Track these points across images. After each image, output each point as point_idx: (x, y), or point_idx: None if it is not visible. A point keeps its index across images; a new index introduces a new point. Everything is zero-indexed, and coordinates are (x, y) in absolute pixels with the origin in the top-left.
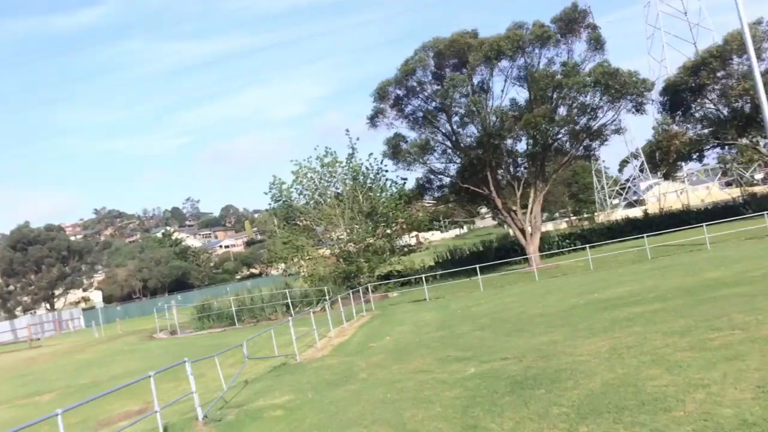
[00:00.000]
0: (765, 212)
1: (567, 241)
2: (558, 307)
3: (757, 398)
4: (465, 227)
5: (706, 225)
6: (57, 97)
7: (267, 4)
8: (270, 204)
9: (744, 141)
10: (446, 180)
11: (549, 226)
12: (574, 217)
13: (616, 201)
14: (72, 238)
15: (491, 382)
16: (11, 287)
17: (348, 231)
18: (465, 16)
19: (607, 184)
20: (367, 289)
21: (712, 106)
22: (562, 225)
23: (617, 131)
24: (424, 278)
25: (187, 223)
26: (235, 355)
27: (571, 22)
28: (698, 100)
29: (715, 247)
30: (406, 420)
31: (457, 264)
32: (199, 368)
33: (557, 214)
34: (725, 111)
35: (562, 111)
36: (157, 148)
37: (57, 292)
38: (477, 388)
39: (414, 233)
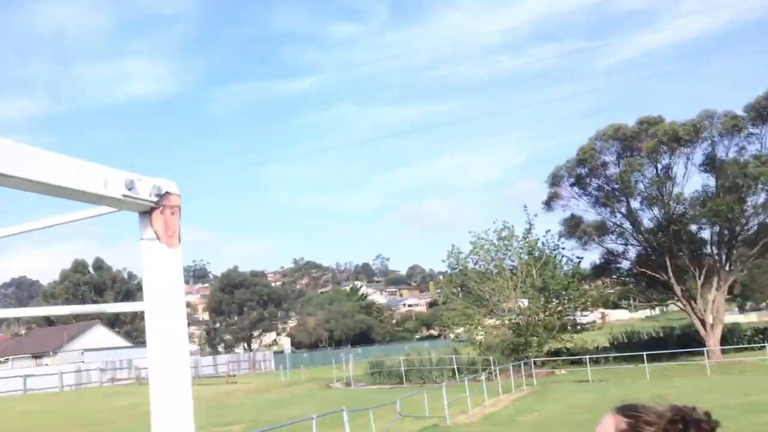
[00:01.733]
0: None
1: (760, 336)
2: (707, 405)
3: None
4: (657, 309)
5: None
6: (273, 155)
7: (472, 73)
8: (447, 271)
9: None
10: (624, 263)
11: (753, 317)
12: None
13: None
14: (272, 285)
15: None
16: (217, 325)
17: (519, 304)
18: (655, 99)
19: None
20: (533, 363)
21: None
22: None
23: None
24: (588, 359)
25: (375, 279)
26: (393, 411)
27: (763, 110)
28: None
29: None
30: None
31: (633, 348)
32: (360, 419)
33: (764, 305)
34: None
35: (754, 200)
36: (355, 206)
37: (255, 334)
38: None
39: (599, 310)
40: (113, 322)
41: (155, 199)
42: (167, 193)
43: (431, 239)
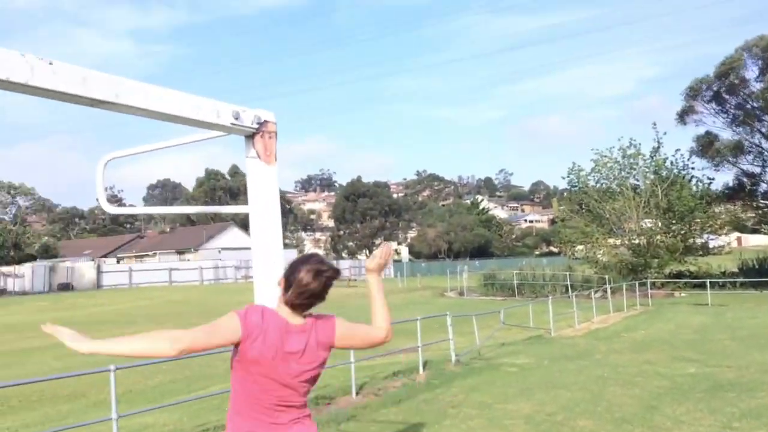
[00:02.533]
0: None
1: None
2: None
3: None
4: None
5: None
6: (399, 66)
7: None
8: (567, 188)
9: None
10: (762, 186)
11: None
12: None
13: None
14: (394, 195)
15: (698, 381)
16: (341, 232)
17: (640, 225)
18: None
19: None
20: (651, 284)
21: None
22: None
23: None
24: (710, 283)
25: (497, 193)
26: (499, 320)
27: None
28: None
29: None
30: (605, 392)
31: (764, 274)
32: (466, 325)
33: None
34: None
35: None
36: (476, 119)
37: (376, 242)
38: (682, 384)
39: (734, 235)
40: (246, 224)
41: (256, 126)
42: (266, 121)
43: (556, 155)
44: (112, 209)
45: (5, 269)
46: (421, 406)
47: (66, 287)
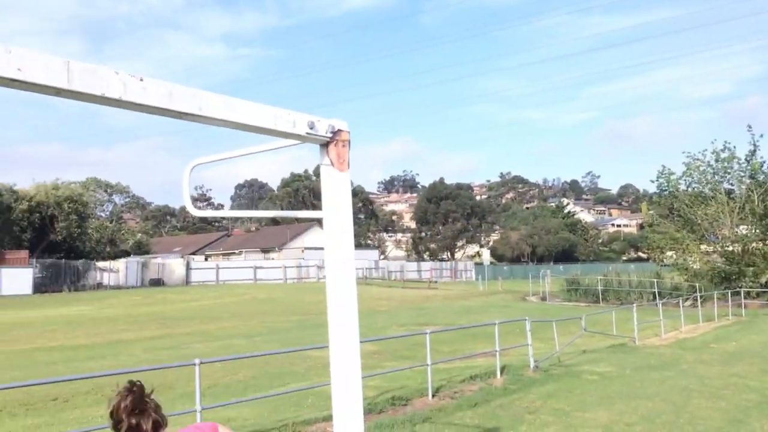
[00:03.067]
0: None
1: None
2: None
3: None
4: None
5: None
6: (484, 67)
7: None
8: (656, 192)
9: None
10: None
11: None
12: None
13: None
14: (477, 198)
15: None
16: (423, 234)
17: (735, 231)
18: None
19: None
20: (745, 294)
21: None
22: None
23: None
24: None
25: (584, 197)
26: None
27: None
28: None
29: None
30: (689, 404)
31: None
32: (547, 332)
33: None
34: None
35: None
36: (562, 121)
37: (458, 244)
38: None
39: None
40: None
41: (330, 135)
42: (339, 130)
43: (646, 158)
44: (197, 212)
45: (101, 264)
46: (497, 410)
47: (157, 282)
